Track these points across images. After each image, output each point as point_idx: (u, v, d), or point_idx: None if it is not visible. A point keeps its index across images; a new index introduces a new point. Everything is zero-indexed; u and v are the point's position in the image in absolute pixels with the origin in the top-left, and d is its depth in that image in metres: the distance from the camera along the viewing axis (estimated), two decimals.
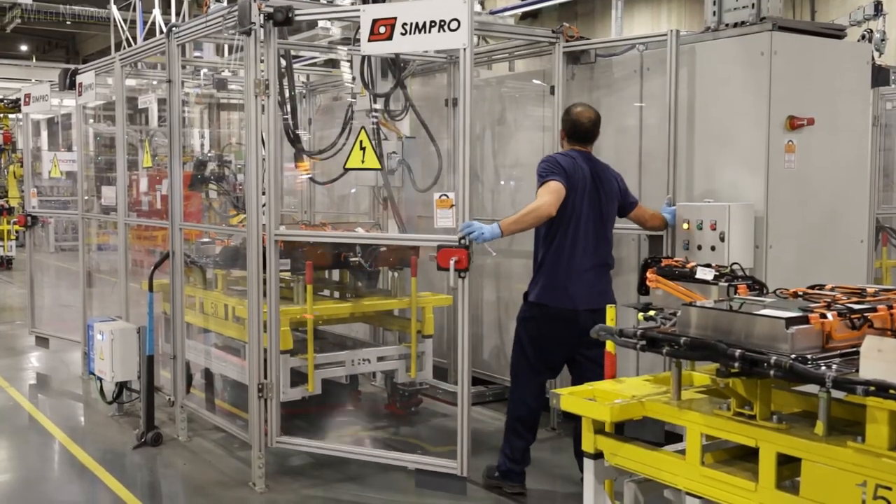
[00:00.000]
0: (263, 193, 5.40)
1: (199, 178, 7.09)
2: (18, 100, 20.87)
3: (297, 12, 5.19)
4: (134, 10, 18.70)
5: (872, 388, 2.70)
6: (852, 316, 3.17)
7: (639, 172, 6.22)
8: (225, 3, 5.72)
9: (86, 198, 8.58)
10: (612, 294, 5.29)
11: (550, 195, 5.06)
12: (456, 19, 4.55)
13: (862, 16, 10.43)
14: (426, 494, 5.48)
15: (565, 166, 5.18)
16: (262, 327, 5.45)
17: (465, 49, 4.65)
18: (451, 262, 4.81)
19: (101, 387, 7.01)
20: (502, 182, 7.43)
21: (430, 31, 4.58)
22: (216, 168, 7.14)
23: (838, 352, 3.05)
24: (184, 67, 7.42)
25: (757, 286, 3.84)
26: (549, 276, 5.26)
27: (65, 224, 16.12)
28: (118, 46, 18.22)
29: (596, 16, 21.24)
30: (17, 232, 18.50)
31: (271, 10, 5.20)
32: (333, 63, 11.18)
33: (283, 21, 5.17)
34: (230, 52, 5.69)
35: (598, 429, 3.62)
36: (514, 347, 5.51)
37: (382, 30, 4.71)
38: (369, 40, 4.79)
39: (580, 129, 5.42)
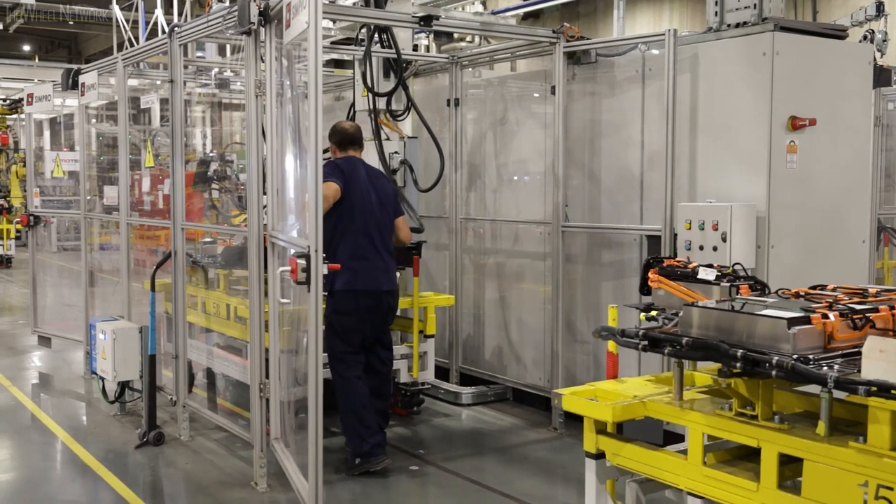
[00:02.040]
0: (265, 193, 5.41)
1: (202, 177, 7.10)
2: (17, 101, 20.93)
3: (270, 6, 5.16)
4: (136, 10, 18.70)
5: (874, 389, 2.71)
6: (854, 316, 3.17)
7: (641, 172, 6.22)
8: (227, 3, 5.71)
9: (88, 197, 8.59)
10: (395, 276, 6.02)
11: (328, 191, 5.47)
12: None
13: (864, 16, 10.44)
14: (429, 495, 5.49)
15: (343, 168, 5.74)
16: (264, 327, 5.46)
17: (307, 25, 4.26)
18: (279, 272, 4.58)
19: (104, 386, 7.01)
20: (508, 181, 7.44)
21: (299, 13, 4.43)
22: (219, 167, 7.15)
23: (840, 352, 3.05)
24: (186, 67, 7.44)
25: (759, 286, 3.84)
26: (353, 266, 5.63)
27: (67, 224, 16.12)
28: (120, 46, 18.24)
29: (598, 16, 21.24)
30: (17, 231, 18.53)
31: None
32: (336, 63, 11.20)
33: (265, 17, 5.15)
34: (232, 52, 5.69)
35: (600, 429, 3.63)
36: (330, 341, 5.67)
37: (288, 16, 4.68)
38: (285, 28, 4.76)
39: (348, 136, 5.93)
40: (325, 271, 4.35)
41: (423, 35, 8.98)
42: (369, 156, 7.21)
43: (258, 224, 5.38)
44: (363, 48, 7.22)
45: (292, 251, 4.56)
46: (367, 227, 5.74)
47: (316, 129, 4.37)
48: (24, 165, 14.67)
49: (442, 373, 7.61)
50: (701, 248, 5.46)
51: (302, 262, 4.32)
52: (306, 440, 4.56)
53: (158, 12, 17.86)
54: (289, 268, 4.43)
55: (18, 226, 17.34)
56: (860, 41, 9.40)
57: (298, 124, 5.10)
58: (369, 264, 5.70)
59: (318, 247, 4.32)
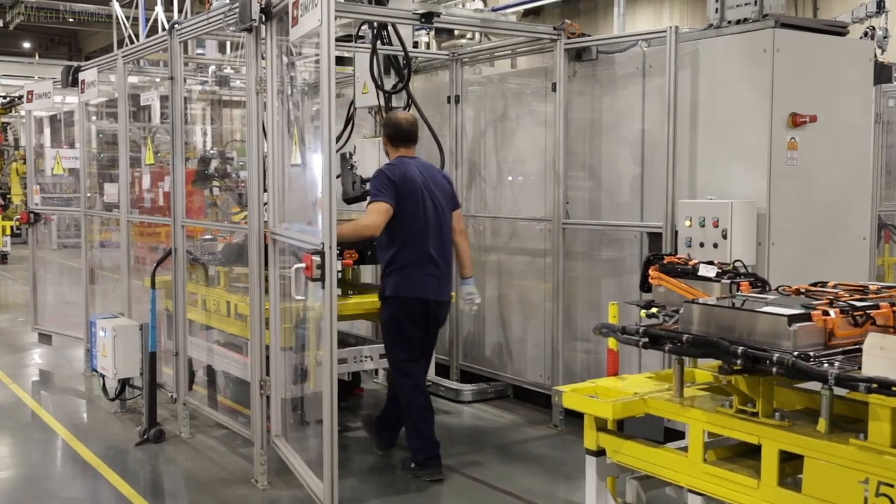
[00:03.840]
0: (265, 191, 5.41)
1: (202, 175, 7.09)
2: (12, 100, 20.93)
3: (272, 3, 5.15)
4: (136, 7, 18.70)
5: (875, 386, 2.71)
6: (855, 313, 3.17)
7: (641, 169, 6.22)
8: (227, 0, 5.71)
9: (88, 195, 8.58)
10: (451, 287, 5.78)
11: (378, 216, 5.35)
12: None
13: (864, 13, 10.42)
14: (428, 493, 5.48)
15: (395, 179, 5.43)
16: (265, 324, 5.46)
17: (320, 23, 4.31)
18: (293, 270, 4.64)
19: (104, 383, 7.01)
20: (509, 178, 7.43)
21: (309, 11, 4.46)
22: (219, 164, 7.15)
23: (841, 349, 3.05)
24: (186, 64, 7.43)
25: (759, 283, 3.84)
26: (404, 273, 5.50)
27: (67, 221, 16.15)
28: (120, 44, 18.22)
29: (598, 13, 21.24)
30: (12, 227, 18.54)
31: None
32: (336, 60, 11.20)
33: (266, 14, 5.15)
34: (233, 49, 5.68)
35: (601, 426, 3.63)
36: (389, 349, 5.68)
37: (295, 13, 4.68)
38: (292, 26, 4.76)
39: (402, 132, 5.63)
40: (340, 267, 4.36)
41: (423, 32, 8.97)
42: (368, 152, 7.23)
43: (259, 221, 5.38)
44: (362, 45, 7.23)
45: (307, 248, 4.57)
46: (419, 236, 5.53)
47: (329, 129, 4.41)
48: (25, 163, 14.64)
49: (442, 370, 7.61)
50: (701, 244, 5.46)
51: (317, 258, 4.34)
52: (308, 438, 4.56)
53: (158, 9, 17.86)
54: (304, 265, 4.44)
55: (16, 223, 17.36)
56: (861, 38, 9.38)
57: (304, 121, 5.10)
58: (419, 272, 5.52)
59: (332, 244, 4.34)
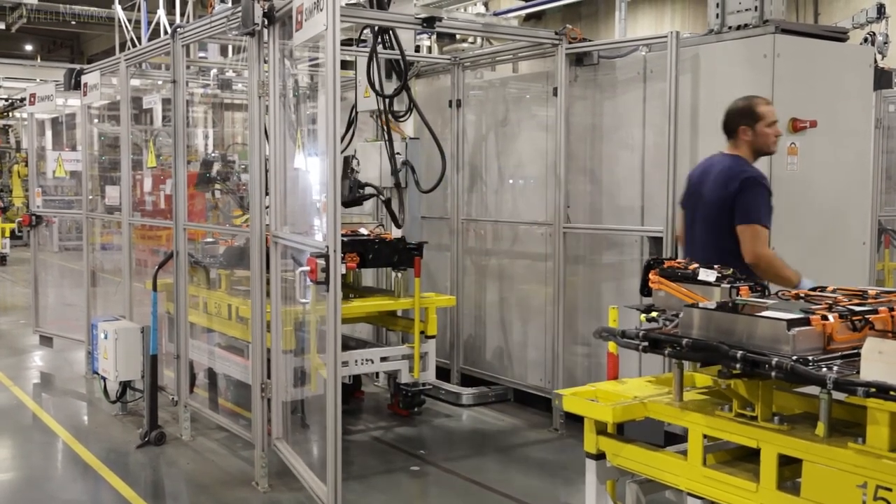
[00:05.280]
0: (267, 194, 5.43)
1: (205, 178, 7.11)
2: (13, 102, 20.97)
3: (275, 7, 5.17)
4: (138, 10, 18.71)
5: (873, 390, 2.71)
6: (853, 318, 3.17)
7: (642, 173, 6.23)
8: (230, 4, 5.73)
9: (90, 197, 8.60)
10: None
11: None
12: None
13: (865, 19, 10.43)
14: (430, 495, 5.50)
15: (688, 178, 4.97)
16: (266, 327, 5.47)
17: (325, 28, 4.29)
18: (298, 272, 4.60)
19: (105, 386, 7.02)
20: (510, 182, 7.45)
21: (314, 16, 4.47)
22: (221, 167, 7.17)
23: (839, 353, 3.05)
24: (188, 68, 7.45)
25: (759, 288, 3.85)
26: None
27: (68, 223, 16.19)
28: (122, 47, 18.24)
29: (599, 17, 21.25)
30: (11, 230, 18.59)
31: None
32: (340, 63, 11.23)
33: (269, 18, 5.17)
34: (235, 53, 5.70)
35: (601, 429, 3.64)
36: None
37: (299, 18, 4.71)
38: (296, 30, 4.78)
39: (724, 124, 4.83)
40: (344, 270, 4.38)
41: (425, 36, 9.00)
42: (370, 156, 7.25)
43: (260, 224, 5.40)
44: (363, 48, 7.25)
45: (308, 252, 4.60)
46: (686, 251, 4.90)
47: (335, 133, 4.43)
48: (26, 165, 14.69)
49: (443, 373, 7.62)
50: None
51: (321, 261, 4.36)
52: (310, 441, 4.57)
53: (161, 12, 17.87)
54: (308, 268, 4.47)
55: (17, 225, 17.41)
56: (861, 43, 9.41)
57: (306, 124, 5.11)
58: None
59: (336, 246, 4.35)
